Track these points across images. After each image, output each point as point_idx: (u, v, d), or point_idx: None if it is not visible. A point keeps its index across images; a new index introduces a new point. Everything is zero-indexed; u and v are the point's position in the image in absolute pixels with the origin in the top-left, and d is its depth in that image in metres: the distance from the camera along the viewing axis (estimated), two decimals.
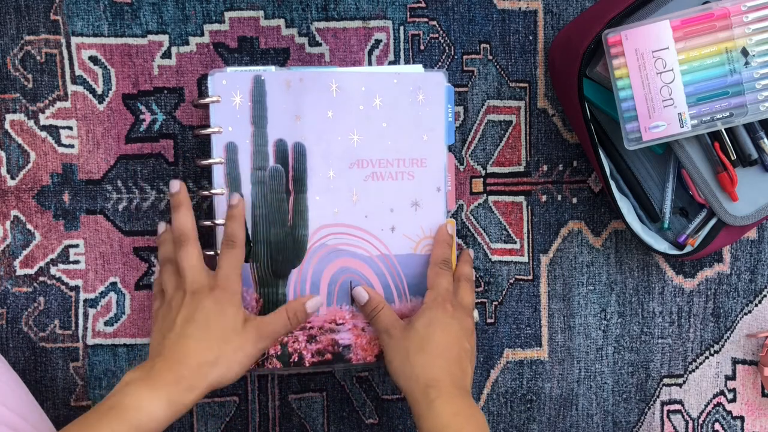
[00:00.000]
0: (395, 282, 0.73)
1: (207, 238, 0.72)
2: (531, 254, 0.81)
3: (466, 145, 0.80)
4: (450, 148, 0.77)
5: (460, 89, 0.79)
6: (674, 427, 0.83)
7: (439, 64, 0.79)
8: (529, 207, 0.81)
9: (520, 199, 0.81)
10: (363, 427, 0.81)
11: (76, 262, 0.78)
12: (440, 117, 0.73)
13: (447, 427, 0.62)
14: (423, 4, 0.79)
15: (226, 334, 0.65)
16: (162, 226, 0.72)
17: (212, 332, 0.64)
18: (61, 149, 0.77)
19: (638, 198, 0.78)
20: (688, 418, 0.83)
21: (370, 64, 0.79)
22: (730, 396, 0.83)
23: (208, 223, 0.70)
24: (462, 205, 0.80)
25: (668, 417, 0.83)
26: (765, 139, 0.73)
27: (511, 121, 0.80)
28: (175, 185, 0.69)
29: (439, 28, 0.79)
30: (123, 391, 0.61)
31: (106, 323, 0.79)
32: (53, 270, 0.78)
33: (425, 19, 0.79)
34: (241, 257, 0.68)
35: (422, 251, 0.73)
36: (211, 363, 0.63)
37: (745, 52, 0.69)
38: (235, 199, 0.69)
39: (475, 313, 0.73)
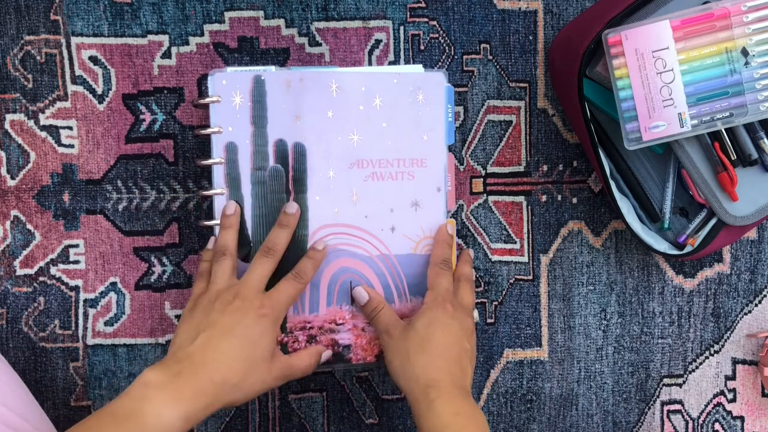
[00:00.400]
0: (395, 282, 0.73)
1: (207, 238, 0.72)
2: (531, 254, 0.81)
3: (466, 145, 0.80)
4: (450, 148, 0.77)
5: (460, 89, 0.79)
6: (674, 427, 0.83)
7: (439, 64, 0.79)
8: (529, 207, 0.81)
9: (520, 199, 0.81)
10: (363, 427, 0.81)
11: (76, 262, 0.78)
12: (440, 117, 0.73)
13: (447, 427, 0.62)
14: (423, 4, 0.79)
15: (256, 363, 0.63)
16: (232, 207, 0.70)
17: (244, 356, 0.63)
18: (61, 149, 0.77)
19: (638, 198, 0.78)
20: (688, 418, 0.83)
21: (370, 64, 0.79)
22: (730, 396, 0.83)
23: (208, 223, 0.70)
24: (462, 205, 0.80)
25: (668, 417, 0.83)
26: (765, 139, 0.73)
27: (511, 121, 0.80)
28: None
29: (439, 28, 0.79)
30: (143, 395, 0.59)
31: (106, 323, 0.79)
32: (53, 270, 0.78)
33: (425, 19, 0.79)
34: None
35: (422, 251, 0.73)
36: (232, 385, 0.62)
37: (745, 52, 0.69)
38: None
39: (475, 313, 0.73)
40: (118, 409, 0.59)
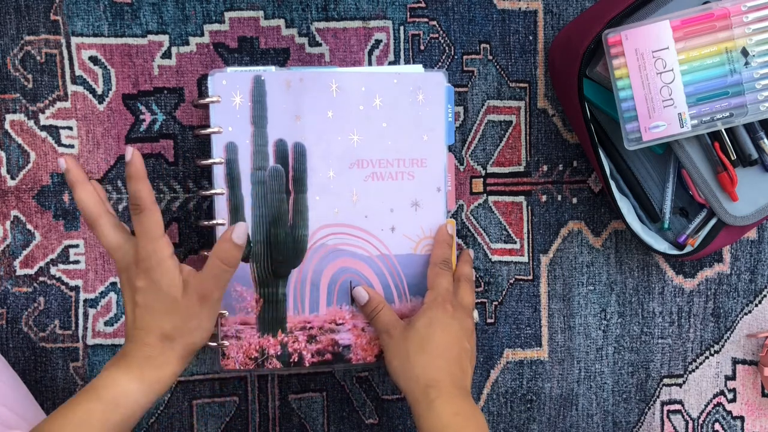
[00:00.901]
0: (395, 282, 0.73)
1: (207, 238, 0.72)
2: (531, 254, 0.81)
3: (466, 145, 0.80)
4: (450, 148, 0.77)
5: (460, 89, 0.79)
6: (674, 427, 0.83)
7: (439, 64, 0.79)
8: (529, 207, 0.81)
9: (520, 199, 0.81)
10: (363, 427, 0.81)
11: (76, 262, 0.78)
12: (440, 117, 0.73)
13: (447, 427, 0.62)
14: (423, 4, 0.79)
15: (170, 309, 0.63)
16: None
17: (156, 311, 0.63)
18: (61, 149, 0.77)
19: (638, 198, 0.78)
20: (688, 418, 0.83)
21: (370, 64, 0.79)
22: (730, 396, 0.83)
23: (207, 223, 0.70)
24: (462, 205, 0.80)
25: (668, 417, 0.83)
26: (765, 139, 0.73)
27: (511, 121, 0.80)
28: (62, 164, 0.64)
29: (439, 28, 0.79)
30: (100, 375, 0.62)
31: (106, 323, 0.79)
32: (53, 270, 0.78)
33: (425, 19, 0.79)
34: (150, 219, 0.62)
35: (422, 251, 0.73)
36: (169, 338, 0.63)
37: (745, 52, 0.69)
38: (129, 154, 0.63)
39: (475, 314, 0.73)
40: (81, 391, 0.62)
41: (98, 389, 0.61)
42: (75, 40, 0.77)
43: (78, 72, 0.77)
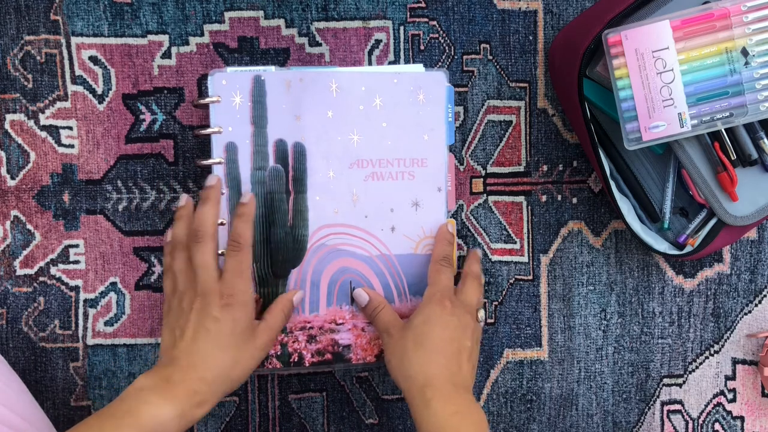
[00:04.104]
0: (395, 282, 0.73)
1: None
2: (531, 254, 0.81)
3: (466, 145, 0.80)
4: (450, 148, 0.77)
5: (460, 89, 0.79)
6: (674, 427, 0.83)
7: (439, 64, 0.79)
8: (529, 207, 0.81)
9: (520, 199, 0.81)
10: (363, 427, 0.81)
11: (76, 262, 0.78)
12: (440, 117, 0.73)
13: (444, 428, 0.62)
14: (423, 4, 0.79)
15: (239, 347, 0.65)
16: (183, 199, 0.71)
17: (226, 344, 0.64)
18: (61, 149, 0.77)
19: (638, 198, 0.78)
20: (688, 418, 0.83)
21: (370, 64, 0.79)
22: (730, 396, 0.83)
23: None
24: (462, 205, 0.80)
25: (668, 417, 0.83)
26: (765, 139, 0.73)
27: (511, 121, 0.80)
28: (212, 180, 0.69)
29: (439, 28, 0.79)
30: (137, 397, 0.61)
31: (106, 323, 0.79)
32: (53, 270, 0.78)
33: (425, 19, 0.79)
34: (247, 259, 0.66)
35: (422, 251, 0.73)
36: (227, 376, 0.64)
37: (745, 52, 0.69)
38: (247, 198, 0.68)
39: (482, 313, 0.73)
40: (116, 410, 0.61)
41: (141, 416, 0.60)
42: (75, 40, 0.77)
43: (78, 72, 0.77)
